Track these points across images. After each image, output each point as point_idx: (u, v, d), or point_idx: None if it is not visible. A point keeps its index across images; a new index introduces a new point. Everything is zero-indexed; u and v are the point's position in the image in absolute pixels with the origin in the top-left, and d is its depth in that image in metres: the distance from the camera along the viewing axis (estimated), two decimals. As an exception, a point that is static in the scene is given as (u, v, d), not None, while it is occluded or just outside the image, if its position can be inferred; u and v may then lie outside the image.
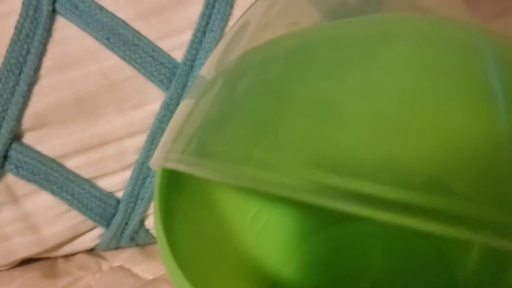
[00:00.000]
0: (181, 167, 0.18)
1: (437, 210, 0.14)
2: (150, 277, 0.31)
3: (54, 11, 0.29)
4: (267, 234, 0.28)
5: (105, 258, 0.33)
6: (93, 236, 0.33)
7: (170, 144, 0.19)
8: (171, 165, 0.19)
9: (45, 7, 0.29)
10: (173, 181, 0.21)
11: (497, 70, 0.17)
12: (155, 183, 0.20)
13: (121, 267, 0.32)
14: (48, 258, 0.33)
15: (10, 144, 0.29)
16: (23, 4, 0.28)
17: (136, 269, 0.32)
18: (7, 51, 0.28)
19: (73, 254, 0.34)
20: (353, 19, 0.20)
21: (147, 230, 0.33)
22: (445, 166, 0.15)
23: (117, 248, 0.34)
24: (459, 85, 0.17)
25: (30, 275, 0.31)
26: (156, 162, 0.20)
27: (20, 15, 0.28)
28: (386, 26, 0.19)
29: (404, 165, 0.15)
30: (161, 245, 0.19)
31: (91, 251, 0.34)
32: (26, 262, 0.33)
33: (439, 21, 0.20)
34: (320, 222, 0.29)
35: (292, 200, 0.18)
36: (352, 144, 0.16)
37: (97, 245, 0.33)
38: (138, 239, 0.33)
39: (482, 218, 0.14)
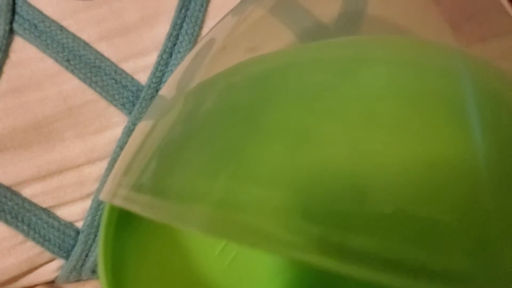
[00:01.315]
0: (129, 206, 0.15)
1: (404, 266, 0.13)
2: (112, 313, 0.28)
3: (11, 31, 0.26)
4: (237, 269, 0.25)
5: (65, 291, 0.30)
6: (52, 268, 0.29)
7: (120, 177, 0.16)
8: (118, 203, 0.16)
9: (2, 26, 0.26)
10: (126, 213, 0.18)
11: (475, 97, 0.16)
12: (102, 221, 0.17)
13: (82, 301, 0.29)
14: (4, 291, 0.30)
15: (-40, 171, 0.26)
16: (-23, 23, 0.26)
17: (98, 304, 0.29)
18: (-41, 73, 0.25)
19: (31, 287, 0.30)
20: (328, 41, 0.18)
21: (110, 262, 0.30)
22: (415, 197, 0.14)
23: (78, 280, 0.30)
24: (435, 111, 0.16)
25: (-18, 309, 0.28)
26: (105, 197, 0.17)
27: (-26, 35, 0.26)
28: (363, 49, 0.18)
29: (373, 198, 0.14)
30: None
31: (51, 283, 0.30)
32: (-21, 296, 0.29)
33: (418, 44, 0.18)
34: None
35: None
36: (324, 174, 0.14)
37: (56, 277, 0.30)
38: (100, 272, 0.30)
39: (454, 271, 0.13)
